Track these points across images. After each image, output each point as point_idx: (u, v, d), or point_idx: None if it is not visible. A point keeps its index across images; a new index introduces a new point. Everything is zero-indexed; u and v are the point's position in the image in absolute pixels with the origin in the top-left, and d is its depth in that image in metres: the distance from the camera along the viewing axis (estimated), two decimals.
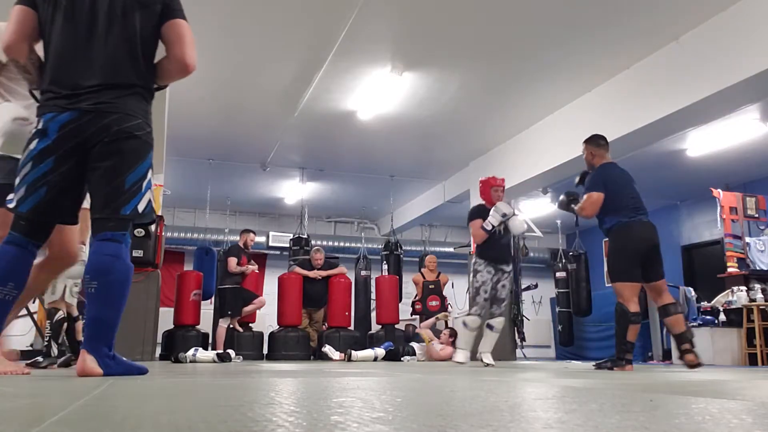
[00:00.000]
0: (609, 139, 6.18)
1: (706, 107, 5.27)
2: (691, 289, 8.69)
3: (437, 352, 7.07)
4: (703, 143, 7.57)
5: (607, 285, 8.65)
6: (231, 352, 6.88)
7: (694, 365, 4.21)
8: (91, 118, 2.21)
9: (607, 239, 4.60)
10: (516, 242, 8.48)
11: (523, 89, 6.51)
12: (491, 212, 5.12)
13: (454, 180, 9.47)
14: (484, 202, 5.32)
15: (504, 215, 5.09)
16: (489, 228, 5.03)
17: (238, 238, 8.20)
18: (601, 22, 5.15)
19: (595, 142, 4.71)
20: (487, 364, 4.85)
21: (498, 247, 5.10)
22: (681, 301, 8.48)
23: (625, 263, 4.36)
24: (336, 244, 11.07)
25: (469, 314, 5.02)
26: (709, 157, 8.01)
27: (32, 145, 2.23)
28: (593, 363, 4.70)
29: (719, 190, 8.35)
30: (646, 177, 9.33)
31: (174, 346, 7.30)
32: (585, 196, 4.51)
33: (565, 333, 10.02)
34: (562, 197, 4.97)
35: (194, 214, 11.10)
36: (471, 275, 5.22)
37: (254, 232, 8.18)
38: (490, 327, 5.07)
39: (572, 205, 4.74)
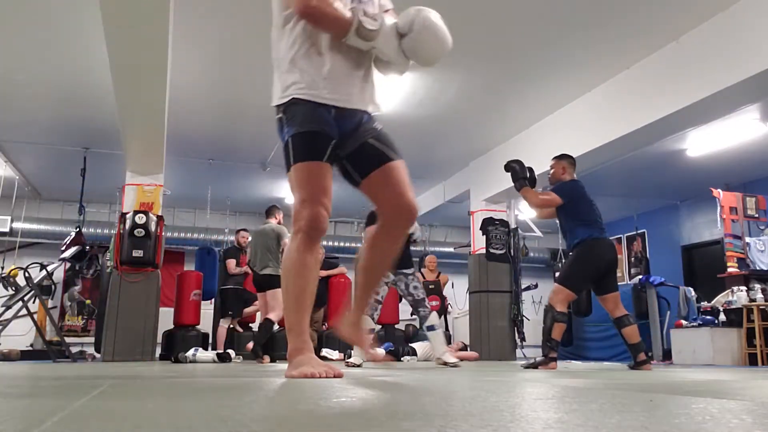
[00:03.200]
0: (609, 139, 6.24)
1: (706, 107, 5.27)
2: (691, 289, 8.69)
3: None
4: (703, 143, 7.57)
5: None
6: (231, 352, 6.89)
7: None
8: None
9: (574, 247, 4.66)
10: (516, 242, 8.48)
11: (523, 89, 6.51)
12: None
13: (454, 180, 9.46)
14: None
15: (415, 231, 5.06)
16: None
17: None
18: (600, 21, 5.15)
19: (569, 159, 4.92)
20: (454, 364, 4.67)
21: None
22: (681, 301, 8.48)
23: (582, 276, 4.64)
24: (336, 244, 11.07)
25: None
26: (709, 157, 8.01)
27: None
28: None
29: (719, 190, 8.35)
30: (646, 177, 9.39)
31: (174, 346, 7.31)
32: (546, 193, 4.66)
33: (564, 333, 10.01)
34: (515, 163, 4.82)
35: (194, 214, 11.10)
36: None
37: (245, 230, 8.22)
38: (430, 328, 4.95)
39: (522, 180, 4.74)
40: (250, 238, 8.27)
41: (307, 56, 2.19)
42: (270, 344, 8.23)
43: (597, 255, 4.61)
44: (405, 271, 4.93)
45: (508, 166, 4.83)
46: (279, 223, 6.76)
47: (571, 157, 4.97)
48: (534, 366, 4.46)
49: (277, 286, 6.30)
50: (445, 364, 4.74)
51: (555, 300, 4.58)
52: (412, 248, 5.31)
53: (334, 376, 2.08)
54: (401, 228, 2.37)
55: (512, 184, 4.94)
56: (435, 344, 5.00)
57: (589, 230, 4.60)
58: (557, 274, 4.93)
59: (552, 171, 4.93)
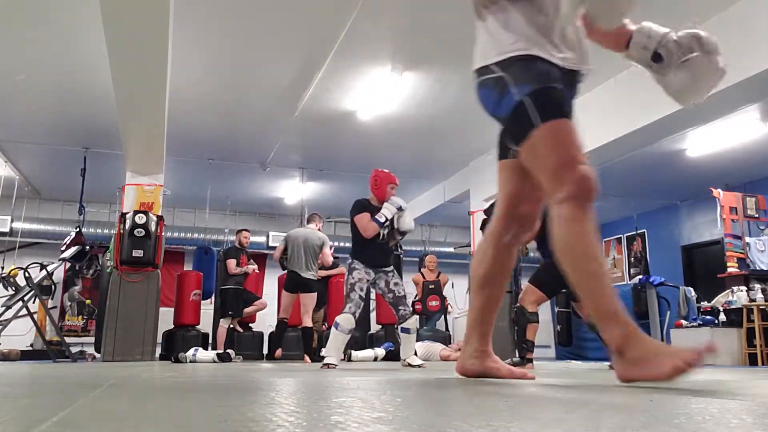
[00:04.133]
0: (609, 140, 6.24)
1: (706, 107, 5.26)
2: (691, 289, 8.69)
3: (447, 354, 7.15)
4: (703, 143, 7.57)
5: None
6: (231, 352, 6.88)
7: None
8: None
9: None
10: None
11: None
12: (386, 205, 4.75)
13: (454, 180, 9.46)
14: (369, 197, 4.90)
15: (399, 208, 4.79)
16: (383, 220, 4.66)
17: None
18: None
19: None
20: (419, 365, 4.60)
21: (377, 250, 4.72)
22: (681, 301, 8.48)
23: (556, 279, 4.47)
24: (336, 244, 11.06)
25: (343, 313, 4.57)
26: (709, 157, 8.01)
27: None
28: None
29: (719, 190, 8.35)
30: (646, 177, 9.39)
31: (174, 346, 7.30)
32: None
33: (564, 333, 10.03)
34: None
35: (194, 213, 11.10)
36: (346, 274, 4.77)
37: (248, 230, 8.21)
38: (405, 330, 4.79)
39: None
40: (251, 239, 8.30)
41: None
42: (270, 344, 8.26)
43: None
44: (385, 269, 4.74)
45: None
46: (319, 230, 6.85)
47: None
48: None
49: (315, 290, 6.61)
50: (410, 365, 4.65)
51: (525, 301, 4.53)
52: (406, 248, 5.21)
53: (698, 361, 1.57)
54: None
55: None
56: (405, 347, 4.84)
57: None
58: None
59: None
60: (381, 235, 4.73)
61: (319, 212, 7.37)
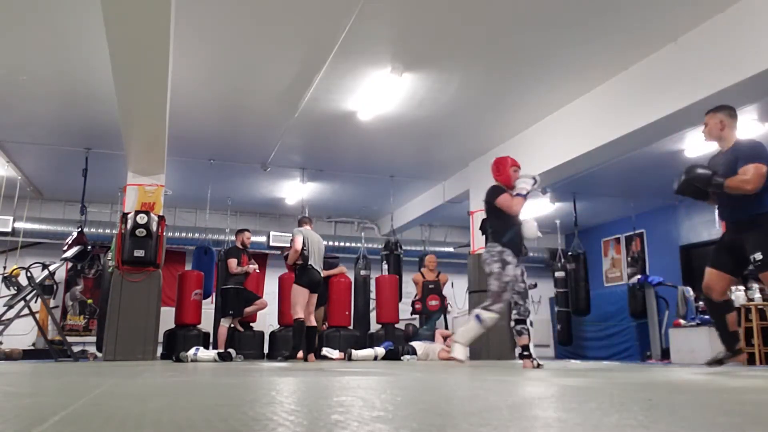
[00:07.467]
0: (608, 140, 6.25)
1: (705, 108, 5.26)
2: (690, 288, 8.70)
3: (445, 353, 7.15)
4: (701, 144, 7.56)
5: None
6: (232, 351, 6.90)
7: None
8: None
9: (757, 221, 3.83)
10: None
11: (522, 90, 6.52)
12: (518, 181, 4.62)
13: (454, 180, 9.47)
14: (499, 184, 4.80)
15: (534, 180, 4.67)
16: (525, 192, 4.55)
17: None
18: (599, 22, 5.15)
19: (727, 111, 4.09)
20: (538, 364, 4.46)
21: (520, 237, 4.61)
22: (679, 301, 8.49)
23: None
24: (336, 244, 11.08)
25: (488, 309, 4.44)
26: (707, 158, 7.99)
27: None
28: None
29: None
30: (644, 177, 9.39)
31: (175, 346, 7.32)
32: (747, 168, 3.76)
33: (564, 332, 10.04)
34: (702, 175, 3.94)
35: (195, 214, 11.11)
36: (497, 265, 4.53)
37: (249, 231, 8.21)
38: (521, 322, 4.51)
39: (715, 182, 3.88)
40: (252, 238, 8.31)
41: None
42: (271, 344, 8.27)
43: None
44: (520, 259, 4.63)
45: (699, 180, 4.02)
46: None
47: (727, 108, 4.10)
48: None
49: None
50: (537, 364, 4.49)
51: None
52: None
53: None
54: None
55: None
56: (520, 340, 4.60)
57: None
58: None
59: (710, 128, 4.13)
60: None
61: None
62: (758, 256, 3.73)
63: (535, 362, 4.46)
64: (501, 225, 4.70)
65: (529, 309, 4.59)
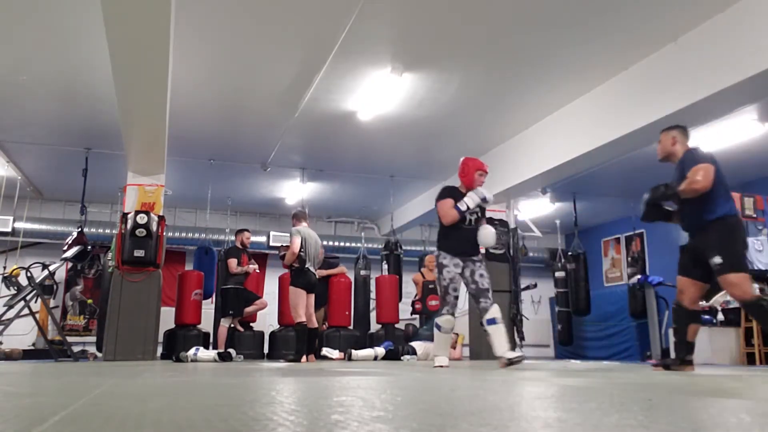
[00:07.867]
0: (608, 140, 6.24)
1: (705, 108, 5.27)
2: None
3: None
4: (701, 143, 7.56)
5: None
6: (232, 351, 6.90)
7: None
8: None
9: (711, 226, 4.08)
10: (515, 242, 8.49)
11: (522, 90, 6.52)
12: (469, 194, 4.59)
13: (454, 180, 9.38)
14: (458, 185, 4.74)
15: (484, 199, 4.60)
16: (463, 208, 4.50)
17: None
18: (599, 22, 5.15)
19: (680, 129, 4.39)
20: (518, 359, 4.31)
21: (464, 238, 4.56)
22: None
23: (742, 254, 4.21)
24: (336, 244, 11.07)
25: (441, 315, 4.52)
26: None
27: None
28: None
29: None
30: (644, 177, 9.36)
31: (175, 346, 7.32)
32: (693, 169, 4.06)
33: (564, 332, 10.04)
34: (659, 189, 4.38)
35: (195, 214, 11.11)
36: (436, 270, 4.59)
37: (249, 230, 8.20)
38: (491, 322, 4.41)
39: (670, 191, 4.28)
40: (252, 238, 8.31)
41: None
42: (271, 344, 8.26)
43: (742, 232, 4.34)
44: (473, 257, 4.57)
45: (659, 196, 4.44)
46: None
47: (679, 127, 4.41)
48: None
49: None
50: (509, 362, 4.36)
51: (743, 292, 4.18)
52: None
53: None
54: None
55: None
56: (496, 340, 4.47)
57: (728, 204, 4.15)
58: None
59: (663, 146, 4.45)
60: (468, 221, 4.59)
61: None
62: (717, 260, 3.94)
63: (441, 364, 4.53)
64: (440, 227, 4.70)
65: (455, 309, 4.60)
